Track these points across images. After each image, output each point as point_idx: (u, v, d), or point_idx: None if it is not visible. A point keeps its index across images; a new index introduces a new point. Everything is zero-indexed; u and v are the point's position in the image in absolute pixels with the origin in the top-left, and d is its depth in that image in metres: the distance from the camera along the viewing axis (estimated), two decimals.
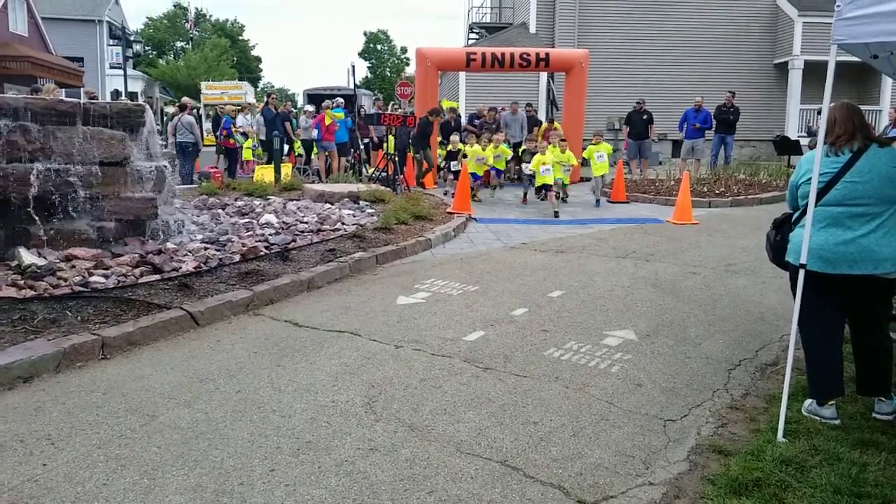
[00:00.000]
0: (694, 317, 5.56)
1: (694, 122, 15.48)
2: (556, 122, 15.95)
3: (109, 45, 37.27)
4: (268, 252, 7.12)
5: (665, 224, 10.30)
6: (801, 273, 3.39)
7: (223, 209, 9.75)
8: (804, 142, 17.18)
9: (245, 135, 16.40)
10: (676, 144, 17.91)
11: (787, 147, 17.64)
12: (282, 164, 14.18)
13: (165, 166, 7.70)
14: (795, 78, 21.61)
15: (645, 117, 15.47)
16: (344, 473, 3.10)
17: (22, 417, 3.64)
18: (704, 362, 4.54)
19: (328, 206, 10.31)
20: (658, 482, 3.05)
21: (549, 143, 11.72)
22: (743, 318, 5.53)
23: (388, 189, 11.78)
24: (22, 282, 5.54)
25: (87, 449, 3.31)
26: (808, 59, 20.96)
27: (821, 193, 3.42)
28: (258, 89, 52.92)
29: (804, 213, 3.44)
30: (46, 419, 3.63)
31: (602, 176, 12.34)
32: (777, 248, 3.78)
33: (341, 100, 16.54)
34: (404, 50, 65.86)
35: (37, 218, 6.33)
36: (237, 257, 6.84)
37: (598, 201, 12.12)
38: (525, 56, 14.83)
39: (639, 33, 21.77)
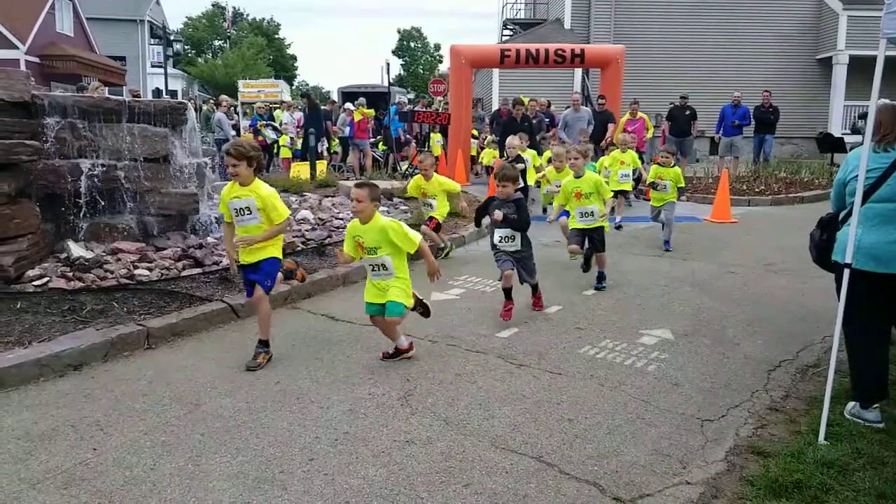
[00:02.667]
0: (732, 316, 5.48)
1: (732, 119, 15.16)
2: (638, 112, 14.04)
3: (151, 45, 38.22)
4: (305, 247, 7.24)
5: (703, 222, 10.15)
6: (847, 272, 3.32)
7: None
8: (849, 139, 16.72)
9: (277, 130, 16.64)
10: (714, 141, 17.56)
11: (830, 145, 17.18)
12: (317, 161, 14.37)
13: (206, 163, 7.87)
14: (840, 73, 21.03)
15: (688, 113, 14.99)
16: (381, 464, 3.15)
17: (73, 404, 3.79)
18: (743, 363, 4.48)
19: None
20: (695, 482, 3.02)
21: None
22: (783, 319, 5.42)
23: None
24: (71, 274, 5.74)
25: (135, 435, 3.43)
26: (853, 55, 20.37)
27: (870, 191, 3.34)
28: (293, 87, 53.58)
29: (851, 211, 3.37)
30: (96, 406, 3.77)
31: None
32: (822, 247, 3.70)
33: (363, 99, 16.75)
34: (438, 47, 65.99)
35: (84, 213, 6.54)
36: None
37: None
38: (560, 52, 14.72)
39: (676, 28, 21.42)
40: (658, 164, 8.38)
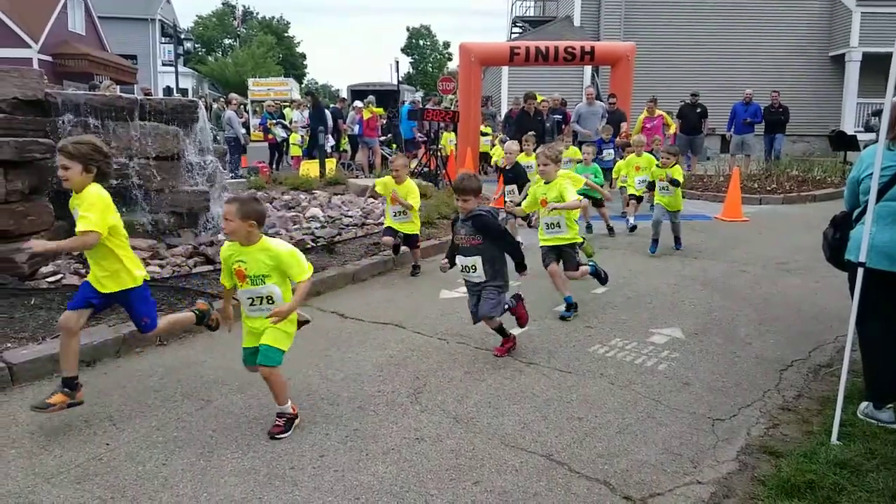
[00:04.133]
0: (744, 316, 5.45)
1: (744, 116, 15.05)
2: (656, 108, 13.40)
3: (161, 43, 38.44)
4: (314, 245, 7.26)
5: (713, 221, 10.09)
6: (860, 271, 3.29)
7: (270, 203, 9.96)
8: (862, 137, 16.56)
9: (287, 128, 16.71)
10: (725, 139, 17.45)
11: (843, 143, 17.02)
12: (326, 159, 14.42)
13: (217, 161, 7.91)
14: (853, 71, 20.85)
15: (699, 111, 14.79)
16: (391, 461, 3.16)
17: (86, 399, 3.80)
18: (755, 362, 4.45)
19: (372, 200, 10.42)
20: (706, 481, 3.01)
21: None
22: (795, 318, 5.39)
23: (430, 184, 11.84)
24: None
25: (147, 430, 3.45)
26: (866, 52, 20.19)
27: (884, 189, 3.31)
28: (302, 86, 53.76)
29: (865, 210, 3.34)
30: (108, 401, 3.80)
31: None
32: (835, 246, 3.67)
33: (372, 97, 16.79)
34: (447, 45, 65.97)
35: None
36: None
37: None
38: (570, 49, 14.69)
39: (687, 24, 21.30)
40: (658, 167, 8.08)
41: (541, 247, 5.45)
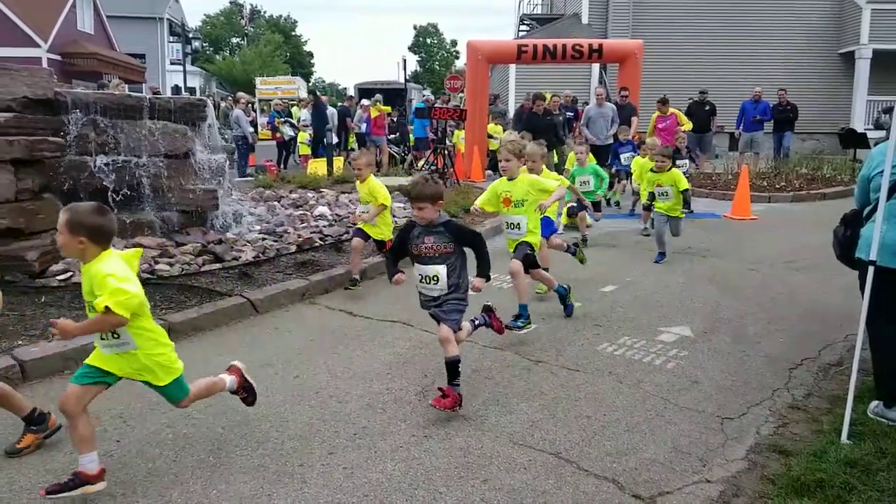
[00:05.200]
0: (752, 314, 5.43)
1: (753, 114, 14.95)
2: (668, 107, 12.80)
3: (170, 42, 38.60)
4: (322, 243, 7.28)
5: (722, 219, 10.04)
6: (871, 270, 3.27)
7: (279, 201, 9.99)
8: (872, 135, 16.44)
9: (294, 126, 16.77)
10: (734, 137, 17.35)
11: (853, 140, 16.92)
12: (333, 158, 14.46)
13: (225, 159, 7.94)
14: (863, 68, 20.70)
15: (707, 108, 14.58)
16: (399, 459, 3.17)
17: (96, 396, 3.83)
18: (764, 361, 4.43)
19: None
20: (715, 480, 3.00)
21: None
22: (805, 317, 5.36)
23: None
24: None
25: (157, 428, 3.47)
26: (876, 49, 20.04)
27: (895, 186, 3.29)
28: (310, 84, 53.86)
29: (876, 207, 3.32)
30: (118, 398, 3.80)
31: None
32: (846, 244, 3.65)
33: (379, 96, 16.83)
34: (454, 43, 65.98)
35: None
36: (293, 248, 7.01)
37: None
38: (577, 47, 14.64)
39: (696, 22, 21.20)
40: (653, 171, 7.46)
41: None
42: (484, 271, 3.91)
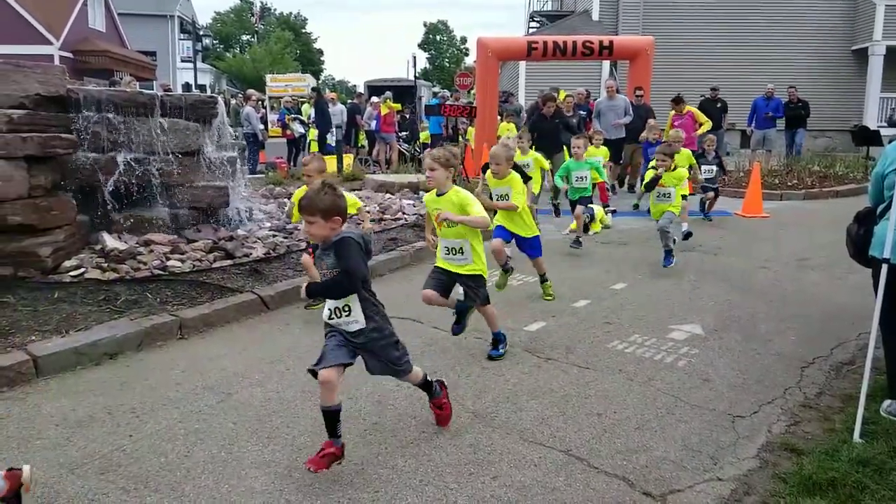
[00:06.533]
0: (764, 313, 5.39)
1: (765, 111, 14.84)
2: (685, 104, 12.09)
3: (180, 40, 38.77)
4: None
5: (734, 217, 9.99)
6: (885, 268, 3.24)
7: (289, 198, 10.02)
8: (885, 132, 16.29)
9: (304, 124, 16.81)
10: (745, 134, 17.22)
11: (866, 138, 16.76)
12: (343, 155, 14.49)
13: (235, 156, 7.97)
14: (876, 65, 20.49)
15: (719, 106, 14.36)
16: (410, 455, 3.18)
17: (109, 391, 3.88)
18: (775, 359, 4.41)
19: (388, 195, 10.46)
20: (727, 478, 2.99)
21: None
22: (816, 315, 5.32)
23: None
24: (105, 265, 5.86)
25: (169, 423, 3.50)
26: (890, 45, 19.83)
27: None
28: (319, 82, 53.97)
29: (890, 205, 3.29)
30: (131, 394, 3.85)
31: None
32: (859, 242, 3.63)
33: (389, 93, 16.82)
34: (464, 40, 65.90)
35: (118, 205, 6.67)
36: (304, 245, 7.02)
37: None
38: (588, 44, 14.57)
39: (707, 18, 21.04)
40: (653, 170, 6.86)
41: (434, 269, 4.38)
42: (314, 287, 3.15)
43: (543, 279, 5.80)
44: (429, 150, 5.46)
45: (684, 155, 8.41)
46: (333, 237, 2.96)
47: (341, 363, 3.01)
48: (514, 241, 5.69)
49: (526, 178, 6.57)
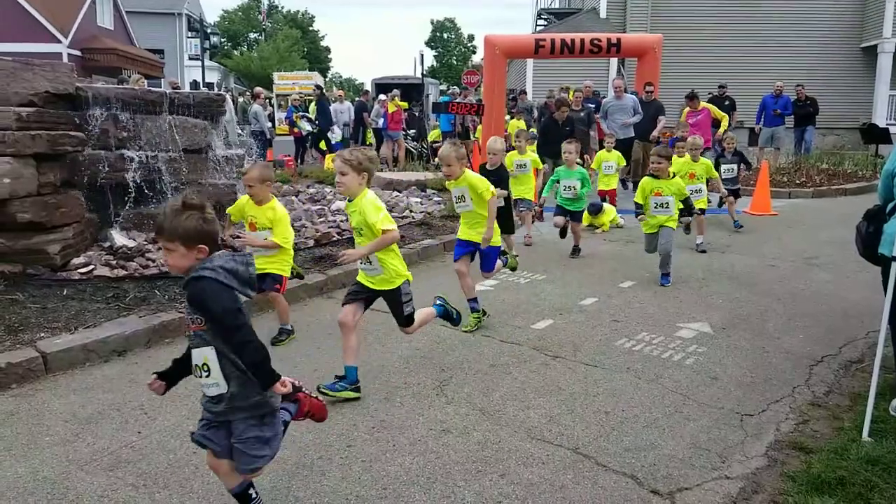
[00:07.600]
0: (772, 311, 5.37)
1: (774, 108, 14.75)
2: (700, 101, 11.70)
3: (188, 38, 38.86)
4: (340, 238, 7.31)
5: (742, 215, 9.90)
6: (894, 266, 3.22)
7: (296, 196, 10.05)
8: (895, 130, 16.17)
9: (312, 122, 16.83)
10: (754, 132, 17.13)
11: (875, 135, 16.66)
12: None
13: (243, 154, 7.99)
14: (885, 62, 20.35)
15: (727, 103, 14.21)
16: (417, 452, 3.18)
17: (118, 388, 3.90)
18: (784, 357, 4.39)
19: (396, 193, 10.46)
20: (735, 476, 2.98)
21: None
22: (825, 314, 5.29)
23: None
24: (114, 262, 5.89)
25: (178, 419, 3.51)
26: None
27: None
28: (327, 79, 54.00)
29: None
30: (140, 390, 3.86)
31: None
32: (868, 240, 3.60)
33: (397, 91, 16.80)
34: (471, 38, 65.81)
35: (126, 202, 6.70)
36: (311, 242, 7.05)
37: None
38: (596, 42, 14.50)
39: (715, 15, 20.94)
40: (651, 175, 6.22)
41: (351, 289, 4.01)
42: (259, 380, 2.41)
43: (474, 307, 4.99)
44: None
45: (704, 165, 7.83)
46: (198, 269, 2.31)
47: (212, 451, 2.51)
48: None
49: (503, 182, 6.14)
